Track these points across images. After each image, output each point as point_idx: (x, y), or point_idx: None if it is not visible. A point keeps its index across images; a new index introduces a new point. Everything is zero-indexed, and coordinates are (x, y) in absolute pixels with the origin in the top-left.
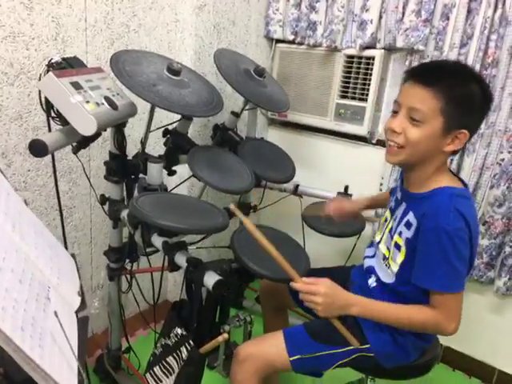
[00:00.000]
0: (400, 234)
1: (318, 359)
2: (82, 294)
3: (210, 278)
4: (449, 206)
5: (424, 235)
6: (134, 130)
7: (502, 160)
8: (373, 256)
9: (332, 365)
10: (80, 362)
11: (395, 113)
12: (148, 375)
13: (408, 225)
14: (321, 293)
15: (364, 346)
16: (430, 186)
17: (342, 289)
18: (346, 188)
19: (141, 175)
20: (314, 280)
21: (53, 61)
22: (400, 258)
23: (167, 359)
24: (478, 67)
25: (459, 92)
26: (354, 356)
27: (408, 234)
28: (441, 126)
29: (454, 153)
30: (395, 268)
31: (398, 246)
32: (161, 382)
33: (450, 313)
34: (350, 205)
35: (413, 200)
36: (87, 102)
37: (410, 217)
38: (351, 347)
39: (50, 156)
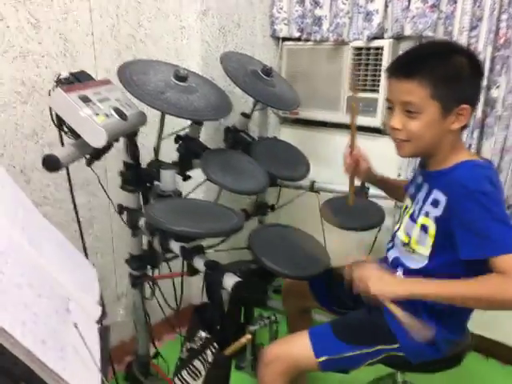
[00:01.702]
0: (427, 214)
1: (347, 360)
2: (102, 303)
3: (230, 280)
4: (473, 173)
5: (461, 206)
6: (147, 139)
7: None
8: (392, 247)
9: (361, 364)
10: (103, 372)
11: (390, 109)
12: (176, 379)
13: (435, 203)
14: (367, 267)
15: (393, 346)
16: (451, 162)
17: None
18: (363, 182)
19: (156, 182)
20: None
21: (61, 77)
22: (430, 240)
23: (194, 363)
24: (490, 49)
25: (443, 71)
26: (383, 356)
27: (436, 212)
28: (439, 110)
29: (463, 128)
30: (425, 251)
31: (425, 228)
32: None
33: None
34: (366, 164)
35: (435, 178)
36: (96, 114)
37: (436, 194)
38: (380, 347)
39: (65, 170)
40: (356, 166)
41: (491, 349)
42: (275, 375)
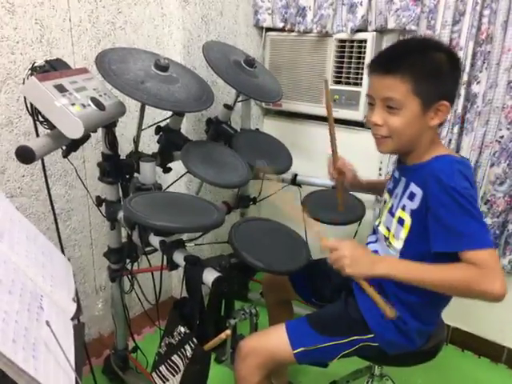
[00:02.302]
0: (404, 207)
1: (322, 351)
2: (77, 299)
3: (209, 275)
4: (450, 169)
5: (437, 200)
6: (126, 130)
7: (502, 137)
8: (375, 241)
9: (336, 355)
10: (78, 370)
11: (371, 105)
12: (154, 374)
13: (411, 196)
14: (347, 246)
15: (367, 336)
16: (429, 156)
17: (367, 248)
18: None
19: (135, 174)
20: (340, 239)
21: (36, 64)
22: (404, 232)
23: (172, 358)
24: (471, 44)
25: (424, 67)
26: (358, 346)
27: (413, 205)
28: (419, 106)
29: (441, 125)
30: (398, 245)
31: (401, 221)
32: (167, 380)
33: (492, 270)
34: (352, 173)
35: (412, 172)
36: (72, 104)
37: (413, 188)
38: (355, 337)
39: (41, 160)
40: (341, 176)
41: (467, 341)
42: (252, 368)
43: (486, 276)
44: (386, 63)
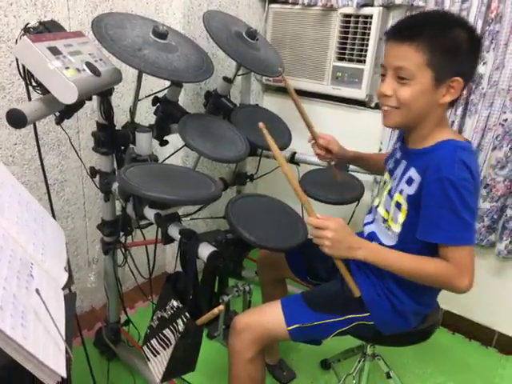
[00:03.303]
0: (401, 191)
1: (317, 328)
2: (69, 269)
3: (205, 250)
4: (453, 157)
5: (428, 188)
6: (123, 100)
7: (505, 120)
8: (372, 221)
9: (331, 333)
10: (68, 340)
11: (383, 76)
12: (145, 348)
13: (409, 181)
14: (331, 228)
15: (363, 315)
16: (433, 140)
17: (352, 232)
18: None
19: (130, 145)
20: (328, 216)
21: (29, 25)
22: (401, 217)
23: (164, 332)
24: (480, 23)
25: (442, 40)
26: (353, 324)
27: (409, 190)
28: (431, 79)
29: (452, 104)
30: (397, 229)
31: (398, 205)
32: (158, 354)
33: (462, 267)
34: (337, 146)
35: (414, 156)
36: (67, 68)
37: (412, 173)
38: (350, 315)
39: (33, 127)
40: (327, 152)
41: (458, 324)
42: (246, 343)
43: (456, 273)
44: (404, 31)
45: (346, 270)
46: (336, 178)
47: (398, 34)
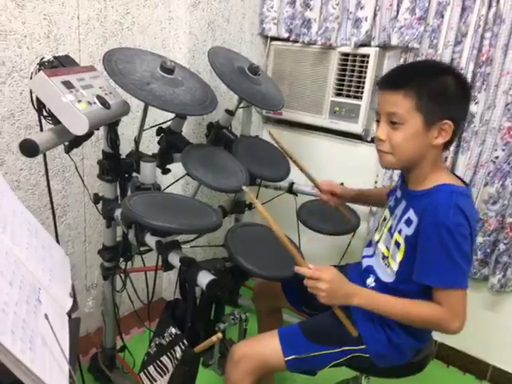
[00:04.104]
0: (400, 231)
1: (313, 359)
2: (73, 295)
3: (204, 278)
4: (449, 202)
5: (424, 231)
6: (127, 129)
7: (497, 158)
8: (371, 255)
9: (327, 364)
10: (71, 365)
11: (378, 122)
12: (142, 375)
13: (408, 222)
14: (326, 279)
15: (359, 347)
16: (430, 183)
17: (346, 279)
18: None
19: (134, 174)
20: (320, 266)
21: (44, 59)
22: (399, 256)
23: (161, 359)
24: (471, 65)
25: (429, 87)
26: (349, 356)
27: (408, 231)
28: (421, 123)
29: (446, 146)
30: (395, 267)
31: (397, 244)
32: (155, 381)
33: (454, 310)
34: (340, 189)
35: (413, 197)
36: (79, 101)
37: (411, 214)
38: (346, 347)
39: (42, 155)
40: (334, 195)
41: (452, 357)
42: (243, 374)
43: (449, 316)
44: (392, 81)
45: (343, 314)
46: (350, 221)
47: (387, 83)
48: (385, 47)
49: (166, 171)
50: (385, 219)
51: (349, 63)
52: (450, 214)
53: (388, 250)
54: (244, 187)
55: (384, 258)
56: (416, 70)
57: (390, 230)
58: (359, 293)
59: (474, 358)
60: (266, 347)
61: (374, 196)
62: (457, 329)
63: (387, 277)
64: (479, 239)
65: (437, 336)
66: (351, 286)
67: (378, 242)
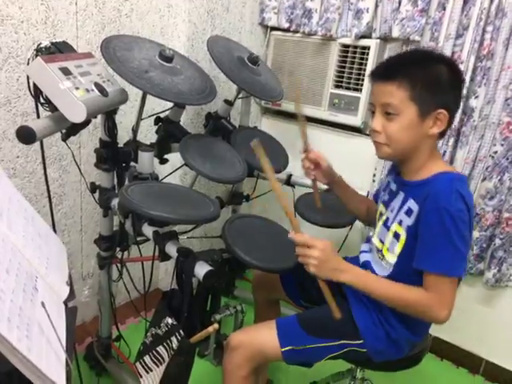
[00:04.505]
0: (400, 222)
1: (310, 351)
2: (70, 283)
3: (201, 269)
4: (450, 189)
5: (426, 218)
6: (125, 117)
7: (495, 152)
8: (368, 251)
9: (323, 357)
10: (68, 353)
11: (373, 113)
12: (138, 364)
13: (409, 212)
14: (319, 247)
15: (357, 341)
16: (428, 172)
17: (338, 254)
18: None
19: (132, 163)
20: (315, 237)
21: (42, 45)
22: (399, 247)
23: (157, 349)
24: (472, 59)
25: (422, 76)
26: (345, 350)
27: (409, 221)
28: (416, 113)
29: (441, 135)
30: (392, 259)
31: (397, 236)
32: (151, 371)
33: (444, 298)
34: (326, 164)
35: (412, 187)
36: (76, 88)
37: (411, 204)
38: (343, 341)
39: (39, 142)
40: (316, 168)
41: (446, 351)
42: (240, 361)
43: (437, 303)
44: (385, 71)
45: (328, 290)
46: (318, 206)
47: (381, 74)
48: (386, 39)
49: (163, 161)
50: (381, 214)
51: (349, 55)
52: (452, 199)
53: (382, 243)
54: (254, 141)
55: (378, 251)
56: (408, 59)
57: (385, 223)
58: (349, 270)
59: (468, 352)
60: (264, 336)
61: (357, 198)
62: (444, 317)
63: (383, 270)
64: (475, 234)
65: (431, 330)
66: (342, 262)
67: (372, 236)
